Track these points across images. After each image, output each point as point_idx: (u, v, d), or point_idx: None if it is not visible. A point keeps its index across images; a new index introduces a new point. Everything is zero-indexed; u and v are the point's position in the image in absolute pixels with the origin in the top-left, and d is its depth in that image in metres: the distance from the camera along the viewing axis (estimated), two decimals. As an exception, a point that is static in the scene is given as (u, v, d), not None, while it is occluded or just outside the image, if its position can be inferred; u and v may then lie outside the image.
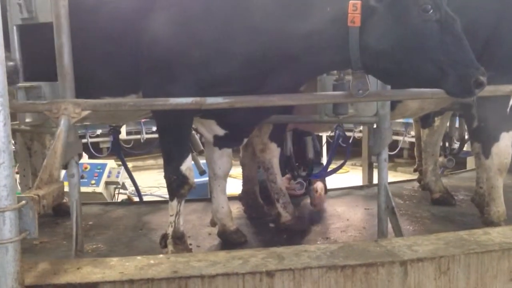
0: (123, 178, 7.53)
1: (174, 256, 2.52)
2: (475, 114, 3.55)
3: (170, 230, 3.07)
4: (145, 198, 7.96)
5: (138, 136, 9.47)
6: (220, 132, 3.18)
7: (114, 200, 7.21)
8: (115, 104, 2.81)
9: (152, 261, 2.44)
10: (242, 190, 4.17)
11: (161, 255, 2.60)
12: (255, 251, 2.56)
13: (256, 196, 4.12)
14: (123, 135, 10.01)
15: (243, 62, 2.75)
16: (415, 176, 5.20)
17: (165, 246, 3.08)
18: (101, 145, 11.39)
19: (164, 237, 3.12)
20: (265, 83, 2.82)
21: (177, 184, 3.00)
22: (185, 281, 2.28)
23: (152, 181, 9.77)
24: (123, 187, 7.65)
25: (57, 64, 2.81)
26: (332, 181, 5.70)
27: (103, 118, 3.70)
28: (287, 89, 2.87)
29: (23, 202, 2.02)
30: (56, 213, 4.07)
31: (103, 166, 7.38)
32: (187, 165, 2.99)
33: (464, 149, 4.93)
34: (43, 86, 2.93)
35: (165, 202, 4.71)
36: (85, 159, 8.09)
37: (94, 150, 10.34)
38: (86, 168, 6.97)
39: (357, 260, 2.41)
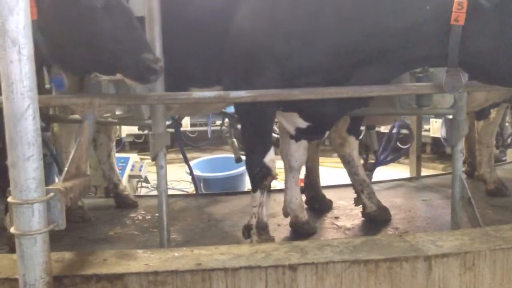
0: (146, 171, 7.63)
1: (198, 249, 2.53)
2: None
3: (253, 221, 3.13)
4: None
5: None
6: (303, 124, 3.18)
7: (136, 194, 7.31)
8: (139, 98, 2.83)
9: (176, 254, 2.46)
10: (305, 182, 4.19)
11: (184, 248, 2.62)
12: (278, 245, 2.57)
13: (318, 188, 4.15)
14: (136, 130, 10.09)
15: (332, 54, 2.77)
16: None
17: (249, 236, 3.15)
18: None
19: (248, 227, 3.17)
20: (352, 75, 2.83)
21: (260, 175, 3.05)
22: (209, 274, 2.30)
23: (173, 174, 9.85)
24: (146, 180, 7.74)
25: None
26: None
27: (186, 109, 3.77)
28: (375, 82, 2.86)
29: (51, 194, 2.05)
30: (119, 205, 4.22)
31: (126, 159, 7.48)
32: (270, 157, 3.04)
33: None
34: None
35: (220, 194, 4.92)
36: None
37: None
38: (109, 161, 7.04)
39: (380, 255, 2.39)
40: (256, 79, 2.84)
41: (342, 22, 2.73)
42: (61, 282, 2.21)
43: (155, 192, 7.68)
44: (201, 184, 7.56)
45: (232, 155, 5.19)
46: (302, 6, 2.79)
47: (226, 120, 5.34)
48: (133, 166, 7.44)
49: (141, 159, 8.25)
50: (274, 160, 3.07)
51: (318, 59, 2.78)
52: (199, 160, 8.59)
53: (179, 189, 8.53)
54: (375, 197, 3.78)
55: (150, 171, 9.01)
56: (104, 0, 2.50)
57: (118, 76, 2.63)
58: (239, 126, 5.14)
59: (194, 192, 7.21)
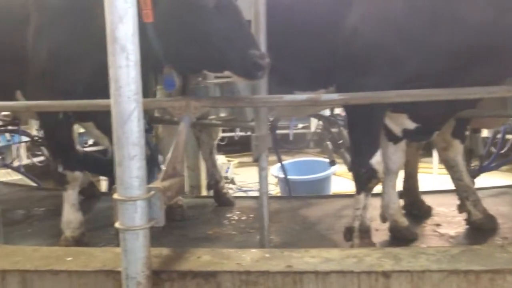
0: (232, 173, 7.80)
1: (288, 251, 2.55)
2: None
3: (356, 224, 3.10)
4: (250, 194, 8.22)
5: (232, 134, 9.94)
6: (411, 126, 3.11)
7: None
8: (232, 100, 2.90)
9: (267, 255, 2.49)
10: (403, 186, 4.05)
11: (275, 249, 2.65)
12: (370, 250, 2.51)
13: (418, 193, 4.02)
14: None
15: (446, 55, 2.72)
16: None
17: (350, 239, 3.13)
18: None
19: (350, 230, 3.15)
20: (463, 76, 2.77)
21: (366, 177, 3.03)
22: (300, 276, 2.29)
23: (257, 177, 9.93)
24: (232, 182, 7.91)
25: None
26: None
27: (287, 111, 3.85)
28: (485, 83, 2.74)
29: (152, 192, 2.16)
30: (217, 202, 4.34)
31: (213, 161, 7.67)
32: (377, 159, 3.00)
33: None
34: (238, 82, 3.01)
35: (312, 197, 4.90)
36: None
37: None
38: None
39: (481, 266, 2.26)
40: (367, 81, 2.81)
41: (457, 21, 2.65)
42: (159, 277, 2.31)
43: (239, 194, 7.89)
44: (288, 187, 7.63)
45: (317, 158, 5.18)
46: (418, 6, 2.73)
47: (320, 122, 5.30)
48: (220, 167, 7.64)
49: (228, 160, 8.45)
50: (381, 162, 3.01)
51: (431, 61, 2.71)
52: (284, 163, 8.65)
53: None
54: (481, 204, 3.54)
55: (235, 173, 9.23)
56: (215, 0, 2.60)
57: (224, 79, 2.68)
58: (333, 130, 5.12)
59: (279, 195, 7.30)
